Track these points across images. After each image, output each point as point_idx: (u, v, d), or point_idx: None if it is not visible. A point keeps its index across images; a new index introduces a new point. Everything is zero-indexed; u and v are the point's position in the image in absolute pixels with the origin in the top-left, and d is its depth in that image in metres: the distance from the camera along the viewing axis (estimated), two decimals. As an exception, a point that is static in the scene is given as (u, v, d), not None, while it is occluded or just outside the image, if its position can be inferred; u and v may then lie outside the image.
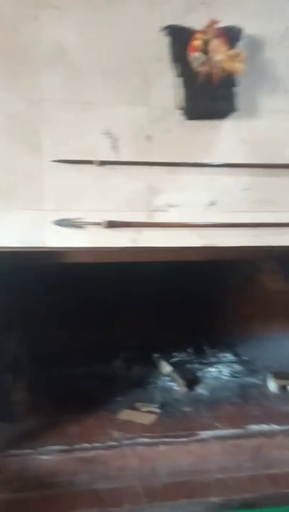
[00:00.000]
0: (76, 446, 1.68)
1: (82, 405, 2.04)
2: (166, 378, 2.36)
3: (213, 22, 1.50)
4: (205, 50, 1.49)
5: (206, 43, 1.49)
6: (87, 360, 2.40)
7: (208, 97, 1.55)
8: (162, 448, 1.69)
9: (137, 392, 2.24)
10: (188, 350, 2.60)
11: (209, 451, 1.72)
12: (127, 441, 1.73)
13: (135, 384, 2.34)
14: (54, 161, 1.52)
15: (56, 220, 1.54)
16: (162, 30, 1.54)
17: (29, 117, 1.51)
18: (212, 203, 1.65)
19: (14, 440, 1.72)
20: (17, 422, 1.88)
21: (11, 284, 1.85)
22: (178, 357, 2.59)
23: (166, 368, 2.42)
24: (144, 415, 2.00)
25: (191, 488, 1.63)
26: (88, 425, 1.87)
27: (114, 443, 1.71)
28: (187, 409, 2.04)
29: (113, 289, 2.40)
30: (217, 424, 1.83)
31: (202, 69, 1.51)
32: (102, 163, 1.54)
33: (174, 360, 2.55)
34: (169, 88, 1.57)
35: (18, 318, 1.97)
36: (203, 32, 1.50)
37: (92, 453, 1.64)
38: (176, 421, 1.92)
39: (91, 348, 2.39)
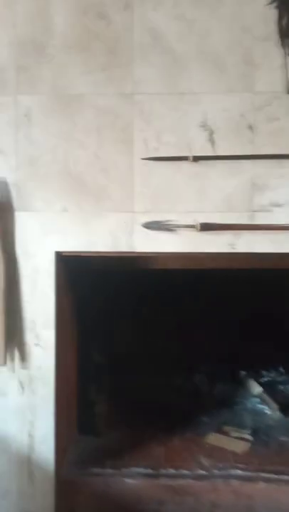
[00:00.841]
0: (162, 470, 1.54)
1: (165, 422, 1.91)
2: (256, 400, 2.15)
3: None
4: None
5: None
6: (165, 370, 2.27)
7: None
8: (261, 485, 1.48)
9: (223, 413, 2.04)
10: (280, 368, 2.37)
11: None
12: (218, 472, 1.54)
13: (220, 403, 2.16)
14: (145, 158, 1.40)
15: (146, 223, 1.42)
16: (269, 3, 1.36)
17: (120, 112, 1.41)
18: None
19: (95, 456, 1.64)
20: (98, 436, 1.81)
21: (97, 289, 1.80)
22: (268, 376, 2.37)
23: (255, 388, 2.18)
24: (235, 442, 1.79)
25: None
26: (173, 447, 1.72)
27: (203, 472, 1.53)
28: (284, 438, 1.81)
29: (195, 295, 2.25)
30: None
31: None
32: (197, 158, 1.39)
33: (264, 379, 2.33)
34: (276, 70, 1.37)
35: (101, 325, 1.91)
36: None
37: (180, 481, 1.48)
38: (273, 452, 1.69)
39: (169, 358, 2.26)
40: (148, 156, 1.41)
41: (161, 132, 1.41)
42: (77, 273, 1.60)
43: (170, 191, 1.42)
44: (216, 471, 1.54)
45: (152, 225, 1.42)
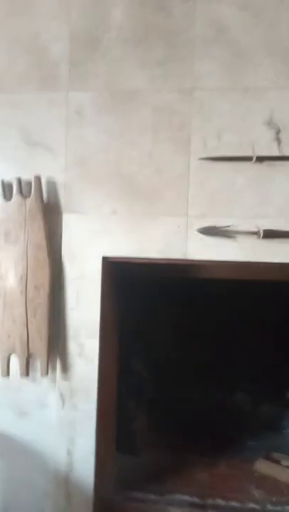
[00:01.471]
0: (209, 500, 1.41)
1: (209, 444, 1.77)
2: (305, 424, 1.99)
3: None
4: None
5: None
6: (206, 385, 2.13)
7: None
8: None
9: (270, 438, 1.89)
10: None
11: None
12: (272, 507, 1.39)
13: (267, 426, 2.01)
14: (203, 158, 1.29)
15: (202, 228, 1.30)
16: None
17: (178, 109, 1.31)
18: None
19: (135, 478, 1.53)
20: (137, 455, 1.70)
21: (140, 297, 1.70)
22: None
23: (305, 411, 2.03)
24: (287, 471, 1.65)
25: None
26: (220, 474, 1.58)
27: (256, 506, 1.39)
28: None
29: (244, 307, 2.12)
30: None
31: None
32: (261, 159, 1.27)
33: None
34: None
35: (145, 335, 1.81)
36: None
37: None
38: None
39: (210, 372, 2.12)
40: (206, 156, 1.30)
41: (221, 130, 1.30)
42: (122, 280, 1.52)
43: (229, 194, 1.30)
44: (269, 506, 1.40)
45: (209, 231, 1.30)
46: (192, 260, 1.32)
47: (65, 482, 1.38)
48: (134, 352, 1.76)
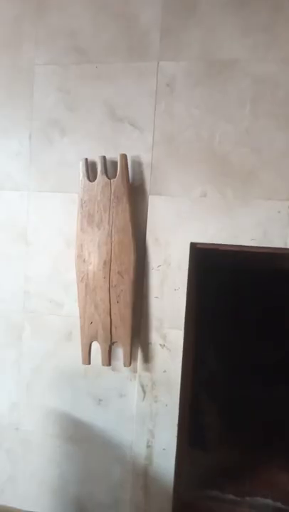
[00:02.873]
0: (295, 507, 1.35)
1: (284, 444, 1.69)
2: None
3: None
4: None
5: None
6: (267, 381, 2.02)
7: None
8: None
9: None
10: None
11: None
12: None
13: None
14: (310, 136, 1.19)
15: (305, 214, 1.21)
16: None
17: (282, 81, 1.18)
18: None
19: (212, 476, 1.46)
20: (208, 451, 1.64)
21: (222, 288, 1.60)
22: None
23: None
24: None
25: None
26: (301, 478, 1.51)
27: None
28: None
29: None
30: None
31: None
32: None
33: None
34: None
35: (218, 329, 1.72)
36: None
37: None
38: None
39: (272, 368, 2.00)
40: (314, 134, 1.19)
41: None
42: (208, 268, 1.42)
43: None
44: None
45: (313, 218, 1.20)
46: (292, 249, 1.22)
47: (143, 475, 1.33)
48: (209, 345, 1.68)
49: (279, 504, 1.32)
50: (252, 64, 1.21)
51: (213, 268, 1.40)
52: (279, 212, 1.21)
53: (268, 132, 1.20)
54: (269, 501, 1.33)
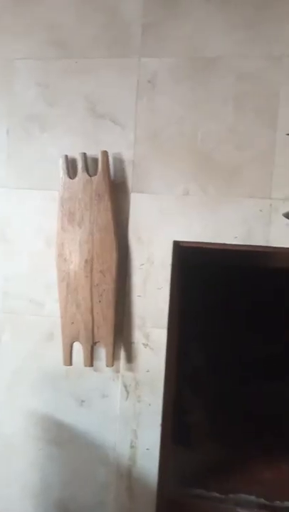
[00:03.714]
0: (278, 503, 1.34)
1: (268, 439, 1.68)
2: None
3: None
4: None
5: None
6: (255, 375, 2.04)
7: None
8: None
9: None
10: None
11: None
12: None
13: None
14: (292, 134, 1.19)
15: (287, 212, 1.19)
16: None
17: (266, 78, 1.17)
18: None
19: (197, 474, 1.46)
20: (192, 448, 1.64)
21: (205, 285, 1.60)
22: None
23: None
24: None
25: None
26: (284, 473, 1.50)
27: None
28: None
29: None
30: None
31: None
32: None
33: None
34: None
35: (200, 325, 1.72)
36: None
37: None
38: None
39: (259, 362, 2.02)
40: (296, 132, 1.19)
41: (315, 102, 1.18)
42: (192, 266, 1.41)
43: None
44: None
45: (295, 216, 1.20)
46: (275, 248, 1.21)
47: (127, 476, 1.31)
48: (193, 343, 1.68)
49: (262, 500, 1.33)
50: (236, 61, 1.20)
51: (196, 266, 1.39)
52: (261, 210, 1.21)
53: (252, 130, 1.20)
54: (253, 498, 1.34)
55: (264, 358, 1.87)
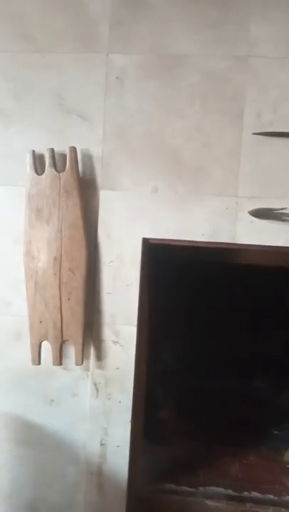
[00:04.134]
0: (245, 493, 1.36)
1: (236, 434, 1.72)
2: None
3: None
4: None
5: None
6: (220, 373, 2.09)
7: None
8: None
9: (294, 426, 1.87)
10: None
11: None
12: (311, 500, 1.37)
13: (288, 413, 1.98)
14: (257, 133, 1.18)
15: (253, 210, 1.20)
16: None
17: (231, 78, 1.20)
18: None
19: (167, 469, 1.47)
20: (164, 444, 1.65)
21: (181, 283, 1.61)
22: None
23: None
24: None
25: None
26: (250, 465, 1.54)
27: (294, 499, 1.38)
28: None
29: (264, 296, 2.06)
30: None
31: None
32: None
33: None
34: None
35: (171, 323, 1.74)
36: None
37: (270, 510, 1.32)
38: None
39: (226, 360, 2.07)
40: (260, 131, 1.19)
41: (278, 103, 1.18)
42: (161, 264, 1.42)
43: (285, 173, 1.20)
44: (308, 499, 1.37)
45: (260, 213, 1.20)
46: (241, 244, 1.24)
47: (97, 473, 1.31)
48: (163, 339, 1.69)
49: (230, 491, 1.37)
50: (202, 60, 1.21)
51: (165, 263, 1.40)
52: (227, 208, 1.23)
53: (217, 128, 1.22)
54: (221, 489, 1.37)
55: (234, 353, 1.93)
